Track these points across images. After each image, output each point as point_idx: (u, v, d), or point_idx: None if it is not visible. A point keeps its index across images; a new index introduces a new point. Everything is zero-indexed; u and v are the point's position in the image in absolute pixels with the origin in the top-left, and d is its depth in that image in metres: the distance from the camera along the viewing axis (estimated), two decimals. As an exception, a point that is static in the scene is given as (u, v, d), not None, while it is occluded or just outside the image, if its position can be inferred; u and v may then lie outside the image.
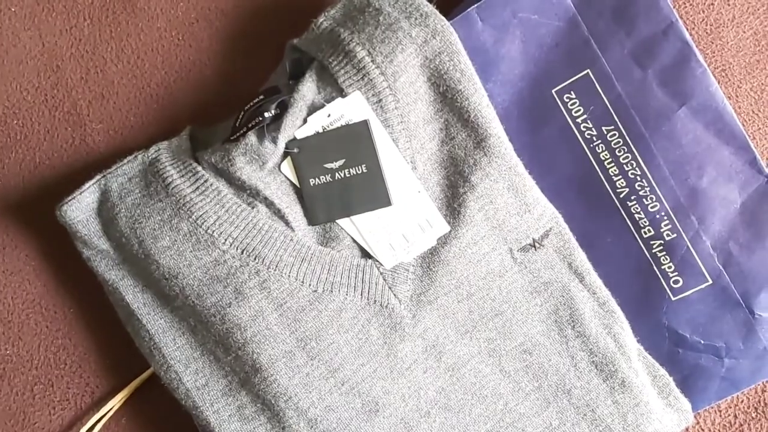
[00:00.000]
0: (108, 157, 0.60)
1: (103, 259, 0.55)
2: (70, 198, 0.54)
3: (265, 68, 0.59)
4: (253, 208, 0.53)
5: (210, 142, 0.56)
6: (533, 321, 0.55)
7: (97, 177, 0.55)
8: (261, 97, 0.54)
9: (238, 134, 0.54)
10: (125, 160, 0.55)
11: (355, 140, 0.53)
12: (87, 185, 0.55)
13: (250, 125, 0.53)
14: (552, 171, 0.56)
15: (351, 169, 0.53)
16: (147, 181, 0.54)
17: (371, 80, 0.52)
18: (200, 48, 0.61)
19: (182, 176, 0.54)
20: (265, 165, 0.53)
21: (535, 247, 0.54)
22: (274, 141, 0.52)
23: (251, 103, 0.54)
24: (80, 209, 0.55)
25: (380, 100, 0.52)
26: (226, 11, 0.61)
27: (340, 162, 0.53)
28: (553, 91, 0.56)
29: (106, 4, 0.61)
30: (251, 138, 0.52)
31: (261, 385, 0.53)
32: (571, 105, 0.56)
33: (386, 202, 0.53)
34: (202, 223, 0.53)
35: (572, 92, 0.56)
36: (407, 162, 0.53)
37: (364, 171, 0.53)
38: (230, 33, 0.61)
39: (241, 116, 0.54)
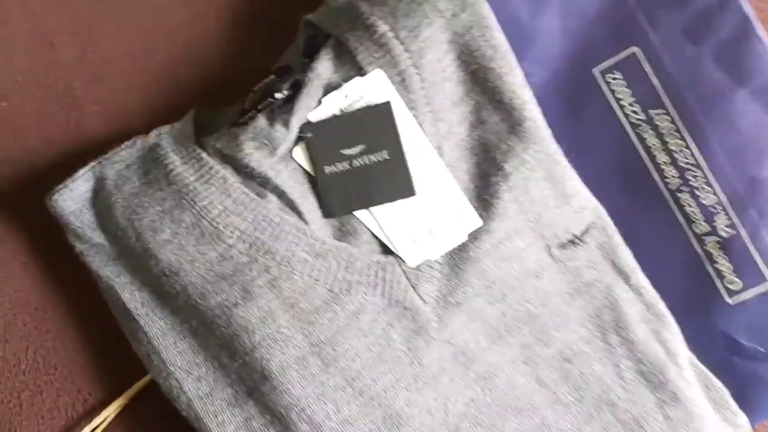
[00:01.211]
0: (105, 142, 0.57)
1: (97, 254, 0.53)
2: (61, 186, 0.53)
3: (277, 47, 0.57)
4: (262, 198, 0.51)
5: (216, 126, 0.54)
6: (573, 325, 0.53)
7: (92, 164, 0.53)
8: (272, 76, 0.52)
9: (246, 117, 0.52)
10: (123, 146, 0.53)
11: (375, 124, 0.51)
12: (80, 172, 0.53)
13: (259, 107, 0.51)
14: (593, 159, 0.54)
15: (371, 156, 0.51)
16: (146, 169, 0.52)
17: (394, 57, 0.50)
18: (206, 26, 0.60)
19: (185, 163, 0.51)
20: (276, 151, 0.50)
21: (575, 243, 0.52)
22: (286, 124, 0.50)
23: (261, 84, 0.52)
24: (73, 199, 0.53)
25: (404, 80, 0.50)
26: (235, -16, 0.60)
27: (359, 148, 0.51)
28: (594, 70, 0.54)
29: (103, -22, 0.59)
30: (261, 121, 0.50)
31: (270, 395, 0.51)
32: (615, 86, 0.54)
33: (410, 192, 0.51)
34: (207, 214, 0.50)
35: (616, 72, 0.54)
36: (433, 148, 0.51)
37: (386, 158, 0.51)
38: (239, 9, 0.60)
39: (250, 98, 0.53)
